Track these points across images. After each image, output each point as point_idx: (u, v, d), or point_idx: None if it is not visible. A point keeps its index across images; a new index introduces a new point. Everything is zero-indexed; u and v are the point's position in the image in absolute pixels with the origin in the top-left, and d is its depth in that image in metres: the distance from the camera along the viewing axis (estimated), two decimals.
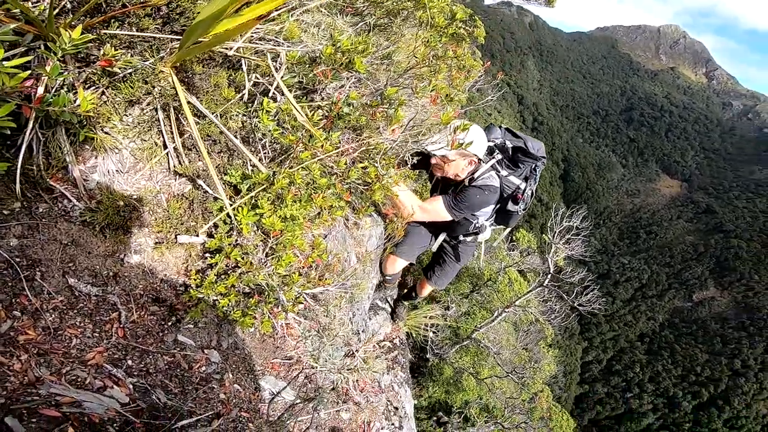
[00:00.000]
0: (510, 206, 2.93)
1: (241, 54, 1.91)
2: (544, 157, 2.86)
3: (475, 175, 2.83)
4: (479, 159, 2.78)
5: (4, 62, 1.27)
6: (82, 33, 1.38)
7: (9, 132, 1.25)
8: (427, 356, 7.58)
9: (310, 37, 2.19)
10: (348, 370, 2.81)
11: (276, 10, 2.08)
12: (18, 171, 1.31)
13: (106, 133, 1.59)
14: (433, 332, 7.36)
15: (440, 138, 2.54)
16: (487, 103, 4.25)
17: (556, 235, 7.13)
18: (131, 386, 1.55)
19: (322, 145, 2.03)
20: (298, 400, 2.29)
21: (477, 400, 7.96)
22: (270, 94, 1.99)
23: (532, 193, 2.97)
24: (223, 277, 1.92)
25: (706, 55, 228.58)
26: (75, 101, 1.40)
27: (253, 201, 1.95)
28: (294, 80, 2.02)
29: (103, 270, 1.59)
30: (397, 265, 3.70)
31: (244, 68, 1.91)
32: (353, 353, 2.94)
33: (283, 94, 1.98)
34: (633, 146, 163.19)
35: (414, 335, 5.85)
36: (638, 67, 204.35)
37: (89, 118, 1.49)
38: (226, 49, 1.87)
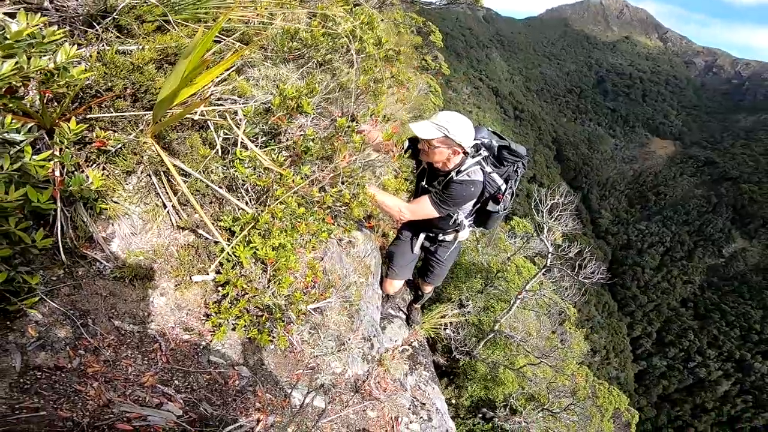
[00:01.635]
0: (490, 206, 3.05)
1: (205, 117, 2.32)
2: (526, 157, 2.97)
3: (462, 168, 2.90)
4: (464, 150, 2.82)
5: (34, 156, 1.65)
6: (77, 122, 1.74)
7: (49, 213, 1.65)
8: (456, 356, 7.73)
9: (261, 89, 2.61)
10: (367, 372, 3.09)
11: (225, 71, 2.50)
12: (60, 244, 1.70)
13: (115, 202, 1.99)
14: (453, 331, 7.54)
15: (426, 123, 2.74)
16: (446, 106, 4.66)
17: (543, 214, 7.40)
18: (182, 401, 1.88)
19: (293, 180, 2.41)
20: (324, 403, 2.58)
21: (519, 391, 8.03)
22: (239, 145, 2.39)
23: (512, 195, 3.08)
24: (234, 302, 2.28)
25: (653, 21, 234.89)
26: (87, 179, 1.79)
27: (247, 238, 2.32)
28: (256, 130, 2.43)
29: (139, 312, 1.97)
30: (395, 285, 3.97)
31: (212, 127, 2.32)
32: (368, 358, 3.22)
33: (252, 141, 2.39)
34: (616, 116, 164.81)
35: (433, 336, 6.05)
36: (596, 42, 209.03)
37: (99, 192, 1.88)
38: (192, 114, 2.28)
